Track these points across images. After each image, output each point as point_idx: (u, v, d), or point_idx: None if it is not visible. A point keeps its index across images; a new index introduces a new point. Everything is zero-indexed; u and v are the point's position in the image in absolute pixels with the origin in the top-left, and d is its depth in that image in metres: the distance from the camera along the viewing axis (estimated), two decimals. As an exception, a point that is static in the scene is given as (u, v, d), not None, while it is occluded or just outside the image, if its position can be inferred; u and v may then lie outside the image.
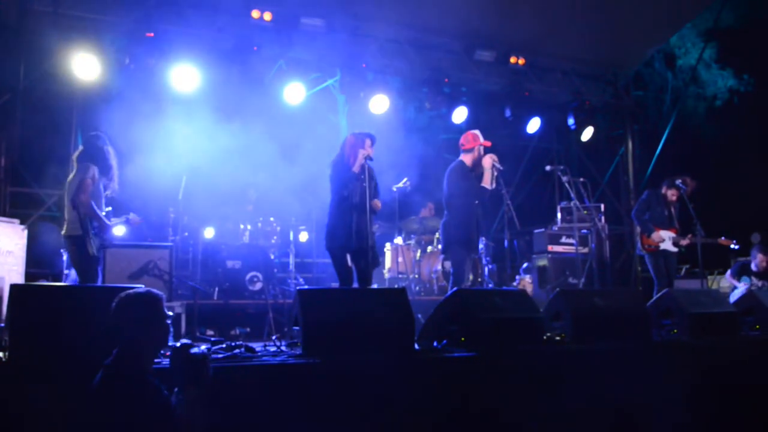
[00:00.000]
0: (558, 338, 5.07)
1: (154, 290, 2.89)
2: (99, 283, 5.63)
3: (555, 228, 9.62)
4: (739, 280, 8.78)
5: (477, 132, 6.43)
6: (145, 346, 2.78)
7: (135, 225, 6.43)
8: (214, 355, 3.95)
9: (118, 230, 7.81)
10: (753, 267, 8.80)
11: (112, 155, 5.90)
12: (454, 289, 5.08)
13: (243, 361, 3.87)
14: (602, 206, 10.24)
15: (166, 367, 2.85)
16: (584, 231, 9.12)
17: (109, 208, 6.00)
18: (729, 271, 9.17)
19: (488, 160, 6.20)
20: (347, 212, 5.82)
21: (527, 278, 9.55)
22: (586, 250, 9.05)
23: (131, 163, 7.18)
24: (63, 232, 5.65)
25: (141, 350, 2.76)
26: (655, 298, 6.06)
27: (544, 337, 4.98)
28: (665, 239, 7.64)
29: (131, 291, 2.88)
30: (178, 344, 2.85)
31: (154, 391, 2.69)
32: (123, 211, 6.30)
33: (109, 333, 2.79)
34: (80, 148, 5.91)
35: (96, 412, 2.61)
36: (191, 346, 2.83)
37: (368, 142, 5.92)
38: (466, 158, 6.37)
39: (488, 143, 6.36)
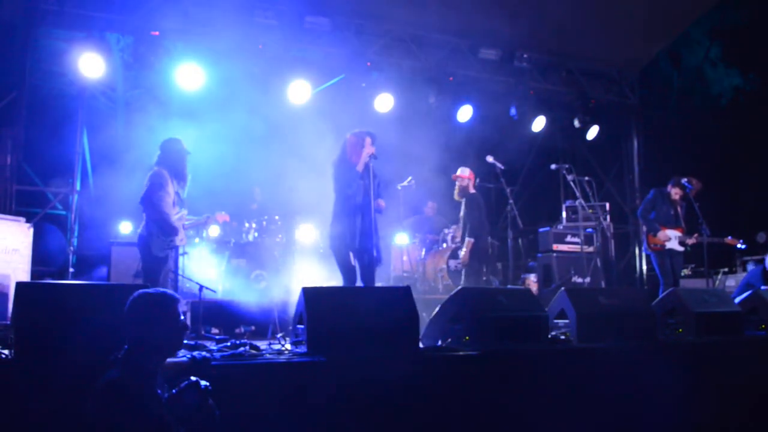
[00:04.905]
0: (563, 337, 5.07)
1: (170, 291, 2.86)
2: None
3: (560, 227, 9.60)
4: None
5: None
6: (155, 347, 2.76)
7: (220, 222, 6.42)
8: (218, 354, 3.96)
9: (213, 230, 7.98)
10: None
11: (185, 158, 5.93)
12: (459, 287, 5.08)
13: (248, 359, 3.88)
14: (607, 205, 10.22)
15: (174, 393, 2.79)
16: (589, 230, 9.11)
17: (185, 211, 6.04)
18: (751, 277, 8.34)
19: None
20: (351, 212, 5.81)
21: (532, 277, 9.54)
22: (591, 248, 9.03)
23: (136, 162, 7.19)
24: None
25: (150, 350, 2.74)
26: (660, 297, 6.04)
27: (549, 336, 4.97)
28: (671, 238, 7.61)
29: (145, 290, 2.85)
30: (195, 381, 2.78)
31: (151, 399, 2.66)
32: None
33: (120, 330, 2.77)
34: (158, 152, 5.91)
35: (98, 407, 2.58)
36: (207, 392, 2.77)
37: (368, 140, 5.89)
38: None
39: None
